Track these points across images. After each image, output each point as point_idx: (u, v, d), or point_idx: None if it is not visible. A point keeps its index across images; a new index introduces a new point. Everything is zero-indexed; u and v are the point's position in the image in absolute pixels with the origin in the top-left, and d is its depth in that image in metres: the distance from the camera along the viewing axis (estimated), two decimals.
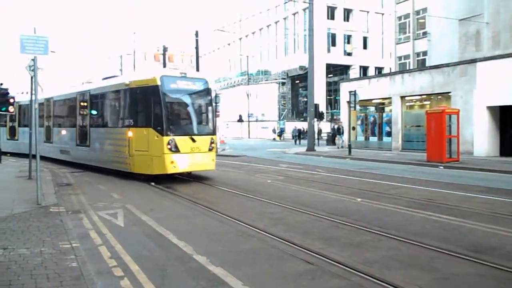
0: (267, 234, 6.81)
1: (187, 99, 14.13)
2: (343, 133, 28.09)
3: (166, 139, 12.87)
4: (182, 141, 13.14)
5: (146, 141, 13.34)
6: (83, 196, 10.73)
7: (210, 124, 14.67)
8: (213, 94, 16.22)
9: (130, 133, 13.86)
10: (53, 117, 19.82)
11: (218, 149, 27.74)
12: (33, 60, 9.65)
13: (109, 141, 15.34)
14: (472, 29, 25.31)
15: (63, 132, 18.73)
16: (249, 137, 57.48)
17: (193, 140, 13.37)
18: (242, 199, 10.26)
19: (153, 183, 13.11)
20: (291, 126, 50.34)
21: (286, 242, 6.32)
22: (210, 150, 13.94)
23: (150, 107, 13.41)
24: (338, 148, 28.51)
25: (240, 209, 8.99)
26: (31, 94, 11.36)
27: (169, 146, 12.89)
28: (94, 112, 16.23)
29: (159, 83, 13.21)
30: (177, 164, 13.03)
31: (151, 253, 5.99)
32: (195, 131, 13.80)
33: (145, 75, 14.33)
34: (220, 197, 10.64)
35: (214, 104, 15.71)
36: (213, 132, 14.63)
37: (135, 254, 5.84)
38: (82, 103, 17.01)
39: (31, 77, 10.24)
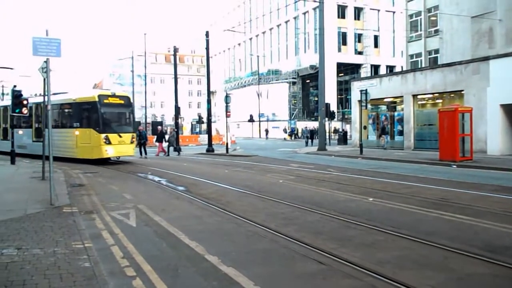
0: (279, 234, 6.80)
1: (115, 109, 20.97)
2: (387, 132, 26.56)
3: (102, 135, 19.49)
4: (112, 136, 19.81)
5: (88, 137, 19.68)
6: (95, 197, 10.81)
7: (131, 126, 21.75)
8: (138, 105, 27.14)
9: (77, 132, 20.08)
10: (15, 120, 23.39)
11: (229, 149, 27.93)
12: (45, 62, 9.75)
13: (61, 137, 20.59)
14: (485, 26, 25.02)
15: (21, 132, 23.23)
16: (260, 137, 57.43)
17: (120, 136, 20.17)
18: (253, 199, 10.25)
19: (164, 182, 13.20)
20: (302, 126, 50.50)
21: (298, 242, 6.30)
22: (131, 142, 21.05)
23: (91, 115, 19.95)
24: (384, 148, 26.08)
25: (251, 209, 8.99)
26: (44, 95, 11.47)
27: (104, 140, 19.53)
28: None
29: (97, 99, 19.90)
30: (109, 151, 19.89)
31: (163, 253, 6.01)
32: (121, 130, 20.55)
33: (87, 93, 21.47)
34: (231, 197, 10.64)
35: (133, 112, 22.65)
36: (133, 131, 22.12)
37: (147, 254, 5.86)
38: (38, 111, 21.96)
39: (44, 79, 10.34)
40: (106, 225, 7.68)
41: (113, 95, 21.30)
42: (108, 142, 19.62)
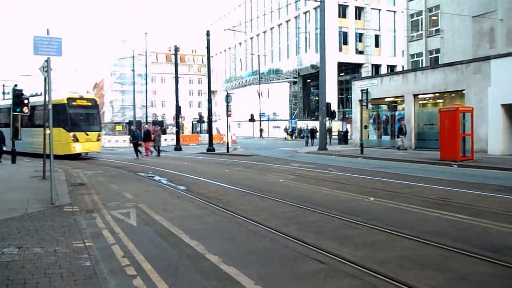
0: (280, 234, 6.79)
1: (82, 110, 24.03)
2: (405, 133, 25.13)
3: (71, 133, 22.63)
4: (79, 135, 22.89)
5: (59, 135, 21.15)
6: (96, 196, 10.82)
7: (97, 125, 24.99)
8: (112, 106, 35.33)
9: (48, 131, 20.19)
10: None
11: (229, 148, 27.93)
12: (46, 61, 9.75)
13: (35, 135, 22.07)
14: (486, 26, 24.99)
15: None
16: (260, 137, 57.45)
17: (87, 134, 23.35)
18: (254, 199, 10.25)
19: (164, 181, 13.22)
20: (302, 125, 50.58)
21: (299, 242, 6.30)
22: (98, 140, 24.35)
23: (61, 115, 22.25)
24: (399, 149, 24.77)
25: (252, 208, 8.99)
26: (45, 95, 11.47)
27: (72, 138, 22.61)
28: (24, 117, 20.99)
29: (66, 101, 22.98)
30: (77, 148, 22.96)
31: (164, 253, 6.01)
32: (88, 129, 23.68)
33: (58, 96, 23.21)
34: (232, 196, 10.63)
35: (99, 113, 25.86)
36: (100, 130, 25.28)
37: (148, 253, 5.87)
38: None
39: (45, 78, 10.34)
40: (106, 224, 7.68)
41: (81, 98, 24.54)
42: (76, 139, 22.87)
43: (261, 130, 58.11)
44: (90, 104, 24.64)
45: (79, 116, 23.98)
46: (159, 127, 30.41)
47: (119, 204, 9.54)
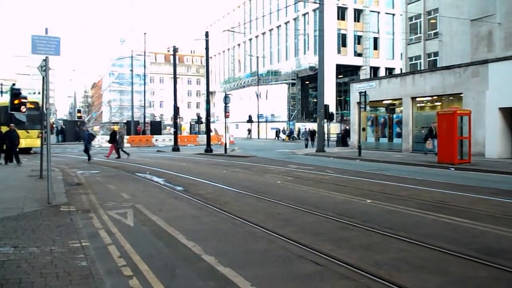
0: (276, 235, 6.79)
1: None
2: (436, 136, 21.63)
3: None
4: (20, 132, 23.32)
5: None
6: (93, 196, 10.80)
7: (39, 125, 25.52)
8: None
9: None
10: None
11: (227, 149, 27.93)
12: (44, 60, 9.73)
13: None
14: (484, 29, 25.06)
15: None
16: (258, 138, 57.49)
17: (27, 132, 26.20)
18: (251, 200, 10.24)
19: (162, 182, 13.21)
20: (300, 127, 50.78)
21: (295, 243, 6.30)
22: (38, 137, 25.89)
23: (5, 115, 24.24)
24: (426, 154, 22.33)
25: (249, 209, 8.98)
26: (43, 94, 11.45)
27: None
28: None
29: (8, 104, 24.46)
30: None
31: (160, 253, 6.00)
32: (28, 128, 26.01)
33: (2, 99, 28.27)
34: (229, 197, 10.63)
35: (41, 114, 25.06)
36: (40, 128, 24.64)
37: (144, 253, 5.86)
38: None
39: (43, 78, 10.33)
40: (103, 224, 7.66)
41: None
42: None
43: (249, 131, 59.04)
44: (33, 106, 26.84)
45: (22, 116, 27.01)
46: (122, 129, 29.98)
47: (116, 204, 9.52)
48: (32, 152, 28.30)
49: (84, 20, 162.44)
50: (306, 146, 34.89)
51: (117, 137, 24.68)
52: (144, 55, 49.03)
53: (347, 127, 37.18)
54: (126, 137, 39.12)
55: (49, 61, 9.70)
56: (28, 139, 27.01)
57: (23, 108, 14.40)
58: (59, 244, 6.18)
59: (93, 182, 13.59)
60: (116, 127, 29.97)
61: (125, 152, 24.80)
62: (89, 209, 9.01)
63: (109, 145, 25.91)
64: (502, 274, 5.04)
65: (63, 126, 48.66)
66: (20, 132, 23.94)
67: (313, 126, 41.38)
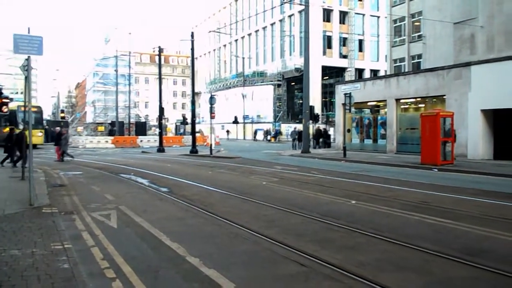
0: (261, 236, 6.79)
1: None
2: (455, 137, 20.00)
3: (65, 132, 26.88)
4: (27, 132, 27.66)
5: None
6: (76, 197, 10.67)
7: (41, 125, 36.18)
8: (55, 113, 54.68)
9: (7, 129, 23.66)
10: None
11: (213, 150, 27.86)
12: (27, 60, 9.60)
13: None
14: (467, 32, 25.40)
15: None
16: (244, 139, 57.52)
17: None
18: (236, 201, 10.23)
19: (146, 183, 13.13)
20: (288, 127, 50.99)
21: (280, 244, 6.30)
22: (40, 135, 34.50)
23: (13, 118, 29.11)
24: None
25: (234, 211, 8.97)
26: (25, 94, 11.28)
27: None
28: None
29: (16, 108, 29.86)
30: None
31: (144, 255, 5.95)
32: (33, 127, 28.06)
33: (11, 105, 27.36)
34: (214, 199, 10.60)
35: (42, 116, 38.84)
36: (43, 128, 37.16)
37: (128, 255, 5.80)
38: None
39: (25, 77, 10.18)
40: (86, 226, 7.57)
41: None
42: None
43: (227, 132, 59.45)
44: (36, 109, 34.52)
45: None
46: (66, 130, 29.70)
47: (100, 206, 9.42)
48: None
49: (67, 19, 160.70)
50: (294, 146, 33.70)
51: (61, 138, 23.15)
52: (129, 55, 48.68)
53: (320, 127, 36.83)
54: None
55: (32, 61, 9.57)
56: (33, 137, 30.66)
57: (4, 108, 14.17)
58: (40, 246, 6.09)
59: (76, 183, 13.44)
60: (63, 129, 27.33)
61: (68, 155, 23.32)
62: (72, 211, 8.89)
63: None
64: (482, 274, 5.11)
65: (46, 127, 48.04)
66: (25, 132, 27.88)
67: (301, 127, 41.46)
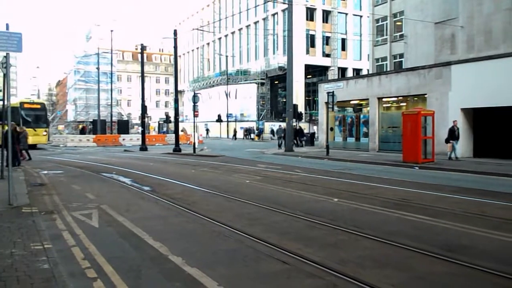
0: (244, 235, 6.79)
1: (32, 112, 32.26)
2: (458, 137, 19.63)
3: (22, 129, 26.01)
4: (28, 130, 26.22)
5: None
6: (57, 197, 10.52)
7: (45, 123, 33.66)
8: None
9: (6, 127, 26.92)
10: None
11: (196, 149, 27.76)
12: (5, 57, 9.42)
13: None
14: (448, 32, 25.81)
15: None
16: (228, 137, 57.41)
17: (35, 130, 30.87)
18: (219, 199, 10.22)
19: (129, 182, 13.02)
20: (273, 126, 51.06)
21: (263, 243, 6.32)
22: (44, 135, 32.94)
23: (15, 115, 25.96)
24: (451, 159, 19.58)
25: (217, 209, 8.95)
26: (4, 92, 11.08)
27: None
28: None
29: (18, 105, 30.43)
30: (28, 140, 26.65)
31: (126, 254, 5.90)
32: (36, 126, 31.58)
33: (13, 101, 28.15)
34: (197, 197, 10.57)
35: (46, 114, 35.84)
36: (47, 126, 34.39)
37: (109, 255, 5.74)
38: None
39: (4, 75, 9.99)
40: (67, 225, 7.48)
41: (32, 102, 34.14)
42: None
43: (207, 130, 59.49)
44: (39, 106, 33.71)
45: (29, 116, 31.66)
46: (23, 128, 27.09)
47: (81, 205, 9.31)
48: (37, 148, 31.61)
49: (47, 15, 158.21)
50: (280, 145, 31.75)
51: (20, 137, 19.92)
52: (111, 53, 48.07)
53: (295, 125, 35.80)
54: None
55: (11, 58, 9.40)
56: (36, 136, 31.13)
57: None
58: (20, 246, 6.00)
59: (56, 183, 13.25)
60: (19, 127, 23.27)
61: (28, 154, 21.78)
62: (52, 210, 8.77)
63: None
64: (461, 269, 5.20)
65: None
66: (28, 130, 26.80)
67: (282, 125, 41.52)
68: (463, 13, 24.00)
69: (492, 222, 7.62)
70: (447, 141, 19.66)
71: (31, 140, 28.69)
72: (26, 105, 32.27)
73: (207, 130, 61.05)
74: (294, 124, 31.56)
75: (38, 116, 32.95)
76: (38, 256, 5.56)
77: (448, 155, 19.76)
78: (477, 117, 21.10)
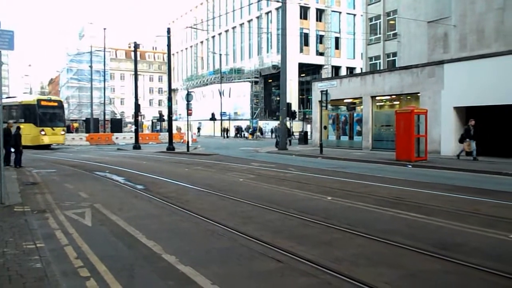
0: (238, 233, 6.78)
1: (50, 110, 30.46)
2: (473, 136, 18.63)
3: (39, 128, 28.95)
4: (47, 129, 29.23)
5: (29, 129, 27.66)
6: (49, 195, 10.45)
7: (62, 122, 31.90)
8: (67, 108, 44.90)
9: (22, 126, 23.29)
10: None
11: (190, 147, 27.70)
12: None
13: None
14: (440, 31, 25.90)
15: None
16: (221, 136, 57.36)
17: (53, 129, 29.82)
18: (213, 198, 10.20)
19: (122, 181, 12.97)
20: (268, 124, 51.11)
21: (257, 241, 6.31)
22: (62, 134, 31.23)
23: (32, 113, 29.11)
24: (458, 158, 19.01)
25: (211, 208, 8.94)
26: None
27: (42, 133, 28.97)
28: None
29: (35, 103, 29.68)
30: (45, 140, 29.26)
31: (119, 253, 5.88)
32: (54, 125, 30.15)
33: (29, 98, 32.69)
34: (191, 196, 10.54)
35: (64, 112, 33.20)
36: (64, 125, 32.34)
37: (103, 254, 5.71)
38: None
39: None
40: (60, 224, 7.43)
41: (49, 100, 32.13)
42: (43, 133, 29.18)
43: (198, 129, 59.46)
44: (56, 104, 31.45)
45: (46, 114, 30.09)
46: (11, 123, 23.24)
47: (74, 204, 9.25)
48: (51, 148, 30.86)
49: (40, 13, 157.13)
50: (277, 144, 30.65)
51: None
52: (104, 51, 47.83)
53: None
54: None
55: (3, 56, 9.31)
56: (54, 136, 30.11)
57: None
58: (12, 246, 5.96)
59: (49, 181, 13.17)
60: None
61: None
62: (45, 209, 8.71)
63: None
64: (454, 267, 5.23)
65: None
66: (46, 130, 29.08)
67: (275, 124, 41.59)
68: (456, 12, 24.09)
69: (486, 220, 7.66)
70: (461, 141, 19.28)
71: (48, 139, 29.35)
72: (43, 103, 30.43)
73: (198, 128, 60.85)
74: (278, 124, 31.44)
75: (56, 114, 31.04)
76: (31, 255, 5.52)
77: (458, 153, 19.27)
78: (470, 115, 21.18)
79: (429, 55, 26.63)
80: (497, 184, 12.35)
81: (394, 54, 36.97)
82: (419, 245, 5.98)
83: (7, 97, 29.11)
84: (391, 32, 38.89)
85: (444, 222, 7.47)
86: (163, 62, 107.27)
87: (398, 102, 25.99)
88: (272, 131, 49.35)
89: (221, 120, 58.86)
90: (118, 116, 67.49)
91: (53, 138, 30.02)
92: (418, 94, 23.07)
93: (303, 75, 61.58)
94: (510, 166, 15.76)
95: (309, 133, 38.09)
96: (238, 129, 54.51)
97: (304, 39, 60.53)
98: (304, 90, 60.97)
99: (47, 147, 29.86)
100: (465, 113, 21.24)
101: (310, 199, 9.98)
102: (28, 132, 26.87)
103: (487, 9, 22.45)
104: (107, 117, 52.51)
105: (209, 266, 5.27)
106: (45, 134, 29.22)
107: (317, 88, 29.82)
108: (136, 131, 33.45)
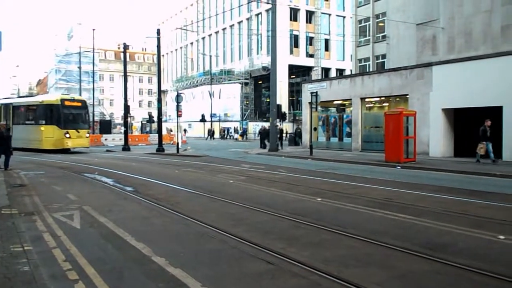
0: (228, 235, 6.77)
1: (74, 110, 27.47)
2: (489, 138, 17.32)
3: (63, 131, 26.26)
4: (71, 132, 26.51)
5: (52, 132, 26.24)
6: (37, 198, 10.34)
7: (87, 124, 29.04)
8: (90, 109, 37.28)
9: (42, 128, 26.33)
10: None
11: (180, 149, 27.61)
12: None
13: (28, 132, 27.12)
14: (429, 33, 26.12)
15: None
16: (206, 138, 57.26)
17: (78, 131, 26.93)
18: (203, 200, 10.17)
19: (111, 183, 12.89)
20: (255, 126, 51.05)
21: (247, 243, 6.30)
22: (87, 137, 28.29)
23: (55, 114, 26.45)
24: (478, 161, 17.60)
25: (201, 209, 8.91)
26: None
27: (66, 135, 26.28)
28: (18, 115, 27.65)
29: (59, 102, 26.55)
30: (69, 143, 26.62)
31: (108, 256, 5.83)
32: (78, 127, 27.22)
33: (51, 97, 28.65)
34: (181, 198, 10.50)
35: (88, 113, 30.16)
36: (88, 127, 29.64)
37: (91, 256, 5.67)
38: (7, 110, 29.02)
39: None
40: (48, 227, 7.35)
41: (72, 99, 28.62)
42: (68, 136, 26.46)
43: (184, 131, 59.11)
44: (80, 104, 28.40)
45: (70, 115, 27.40)
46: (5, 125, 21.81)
47: (62, 206, 9.16)
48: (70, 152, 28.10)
49: (28, 13, 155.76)
50: (262, 145, 32.19)
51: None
52: (93, 52, 47.58)
53: (266, 126, 34.50)
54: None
55: None
56: (78, 139, 27.30)
57: None
58: None
59: (37, 183, 13.03)
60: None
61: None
62: (33, 212, 8.61)
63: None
64: (442, 267, 5.27)
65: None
66: (71, 132, 26.63)
67: (265, 125, 41.54)
68: (444, 15, 24.32)
69: (473, 220, 7.73)
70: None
71: (72, 143, 26.80)
72: (67, 103, 27.18)
73: (185, 130, 60.21)
74: (263, 125, 31.24)
75: (80, 115, 28.11)
76: (18, 258, 5.46)
77: (477, 158, 17.65)
78: (458, 117, 21.44)
79: (418, 57, 26.84)
80: (485, 185, 12.49)
81: (383, 56, 37.23)
82: (408, 246, 6.03)
83: (25, 96, 29.22)
84: (380, 34, 39.17)
85: (433, 223, 7.53)
86: (152, 63, 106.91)
87: (387, 104, 26.17)
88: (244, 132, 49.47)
89: (211, 121, 58.76)
90: (107, 117, 67.06)
91: (78, 141, 27.18)
92: (407, 96, 23.25)
93: (293, 76, 61.75)
94: (500, 167, 15.94)
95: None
96: (225, 130, 54.37)
97: (294, 41, 60.72)
98: (294, 91, 61.14)
99: (67, 150, 27.15)
100: (453, 115, 21.46)
101: (301, 200, 10.00)
102: (50, 135, 26.07)
103: (475, 12, 22.70)
104: (96, 118, 52.17)
105: (199, 268, 5.25)
106: (69, 137, 26.38)
107: (307, 89, 29.92)
108: (126, 133, 33.24)
